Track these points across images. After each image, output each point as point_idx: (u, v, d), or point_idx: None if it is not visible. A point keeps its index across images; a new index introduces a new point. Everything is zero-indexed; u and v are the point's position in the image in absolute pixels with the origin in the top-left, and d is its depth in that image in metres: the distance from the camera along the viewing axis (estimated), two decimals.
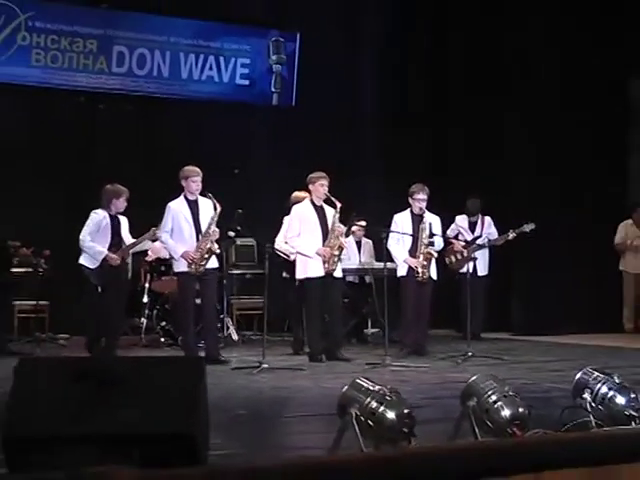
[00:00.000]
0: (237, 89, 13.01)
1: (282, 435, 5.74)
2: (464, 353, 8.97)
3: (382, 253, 9.63)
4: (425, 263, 9.47)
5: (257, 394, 7.07)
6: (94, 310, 9.31)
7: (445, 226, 10.59)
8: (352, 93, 13.20)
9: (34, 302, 10.53)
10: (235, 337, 10.86)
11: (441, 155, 13.42)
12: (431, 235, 9.52)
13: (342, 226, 9.26)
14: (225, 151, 12.06)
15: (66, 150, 11.76)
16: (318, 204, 9.24)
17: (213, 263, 8.95)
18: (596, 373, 4.91)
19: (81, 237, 9.20)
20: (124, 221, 9.42)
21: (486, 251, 11.32)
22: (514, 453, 2.11)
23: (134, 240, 9.38)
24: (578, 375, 4.96)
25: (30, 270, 10.20)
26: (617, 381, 4.85)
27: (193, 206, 8.92)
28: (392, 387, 4.41)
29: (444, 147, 13.44)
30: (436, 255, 9.66)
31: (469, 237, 11.35)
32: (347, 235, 9.82)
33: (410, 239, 9.55)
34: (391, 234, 9.55)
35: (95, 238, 9.19)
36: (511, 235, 10.96)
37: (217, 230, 8.90)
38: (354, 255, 11.30)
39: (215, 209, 8.81)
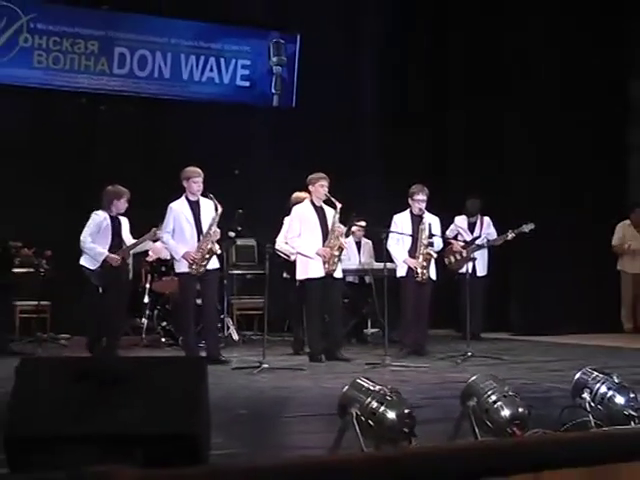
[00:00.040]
0: (237, 90, 13.03)
1: (282, 435, 5.76)
2: (464, 353, 8.98)
3: (382, 253, 9.64)
4: (425, 264, 9.48)
5: (257, 394, 7.08)
6: (95, 310, 9.32)
7: (445, 226, 10.61)
8: (352, 93, 13.21)
9: (35, 302, 10.55)
10: (235, 337, 10.87)
11: (441, 155, 13.43)
12: (430, 236, 9.53)
13: (342, 226, 9.27)
14: (225, 152, 12.07)
15: (67, 151, 11.78)
16: (318, 205, 9.26)
17: (214, 263, 8.96)
18: (595, 373, 4.92)
19: (82, 238, 9.22)
20: (125, 222, 9.43)
21: (485, 251, 11.33)
22: (514, 453, 2.12)
23: (135, 241, 9.40)
24: (577, 375, 4.97)
25: (32, 270, 10.22)
26: (616, 381, 4.85)
27: (194, 207, 8.94)
28: (393, 387, 4.42)
29: (444, 147, 13.45)
30: (435, 256, 9.67)
31: (468, 237, 11.35)
32: (347, 235, 9.84)
33: (410, 239, 9.57)
34: (391, 234, 9.56)
35: (96, 239, 9.21)
36: (510, 235, 10.97)
37: (218, 230, 8.91)
38: (354, 255, 11.31)
39: (216, 210, 8.83)
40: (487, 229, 11.45)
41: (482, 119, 12.64)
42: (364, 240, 11.49)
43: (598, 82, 12.21)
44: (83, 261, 9.27)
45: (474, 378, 4.66)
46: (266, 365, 8.23)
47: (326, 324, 9.24)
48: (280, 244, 9.69)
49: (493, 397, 4.45)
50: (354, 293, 11.13)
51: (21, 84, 11.58)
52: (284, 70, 13.16)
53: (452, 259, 11.21)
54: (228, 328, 10.82)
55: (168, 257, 9.90)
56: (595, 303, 11.80)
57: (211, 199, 8.87)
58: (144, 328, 10.61)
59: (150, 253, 10.48)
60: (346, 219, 9.52)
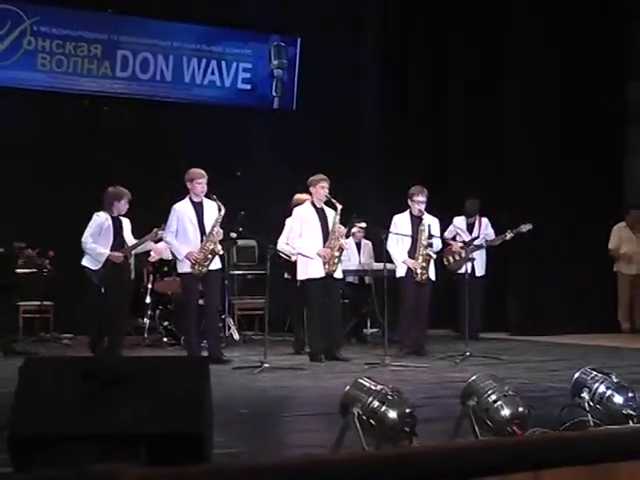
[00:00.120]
0: (239, 93, 13.07)
1: (283, 433, 5.79)
2: (462, 353, 8.99)
3: (382, 254, 9.65)
4: (424, 264, 9.50)
5: (258, 393, 7.11)
6: (97, 310, 9.34)
7: (444, 227, 10.63)
8: (352, 94, 13.21)
9: (39, 302, 10.59)
10: (236, 337, 10.90)
11: (441, 155, 13.43)
12: (430, 237, 9.55)
13: (342, 227, 9.30)
14: (227, 154, 12.08)
15: (70, 153, 11.80)
16: (319, 206, 9.29)
17: (216, 264, 8.99)
18: (594, 372, 4.95)
19: (83, 239, 9.24)
20: (126, 223, 9.45)
21: (483, 251, 11.34)
22: (514, 452, 2.14)
23: (136, 241, 9.42)
24: (576, 375, 5.00)
25: (35, 271, 10.26)
26: (615, 380, 4.88)
27: (198, 208, 8.97)
28: (394, 387, 4.45)
29: (444, 147, 13.45)
30: (435, 256, 9.69)
31: (467, 238, 11.36)
32: (347, 236, 9.87)
33: (409, 240, 9.59)
34: (390, 235, 9.59)
35: (97, 240, 9.23)
36: (508, 235, 10.98)
37: (221, 231, 8.94)
38: (354, 256, 11.33)
39: (220, 211, 8.86)
40: (485, 229, 11.46)
41: (482, 119, 12.64)
42: (364, 241, 11.51)
43: (597, 83, 12.22)
44: (85, 262, 9.29)
45: (474, 378, 4.68)
46: (267, 365, 8.25)
47: (326, 324, 9.26)
48: (281, 245, 9.71)
49: (493, 396, 4.48)
50: (354, 293, 11.15)
51: (25, 87, 11.62)
52: (285, 73, 13.19)
53: (451, 259, 11.22)
54: (229, 328, 10.84)
55: (170, 257, 9.93)
56: (593, 303, 11.80)
57: (214, 200, 8.90)
58: (146, 328, 10.65)
59: (152, 253, 10.49)
60: (346, 220, 9.54)
